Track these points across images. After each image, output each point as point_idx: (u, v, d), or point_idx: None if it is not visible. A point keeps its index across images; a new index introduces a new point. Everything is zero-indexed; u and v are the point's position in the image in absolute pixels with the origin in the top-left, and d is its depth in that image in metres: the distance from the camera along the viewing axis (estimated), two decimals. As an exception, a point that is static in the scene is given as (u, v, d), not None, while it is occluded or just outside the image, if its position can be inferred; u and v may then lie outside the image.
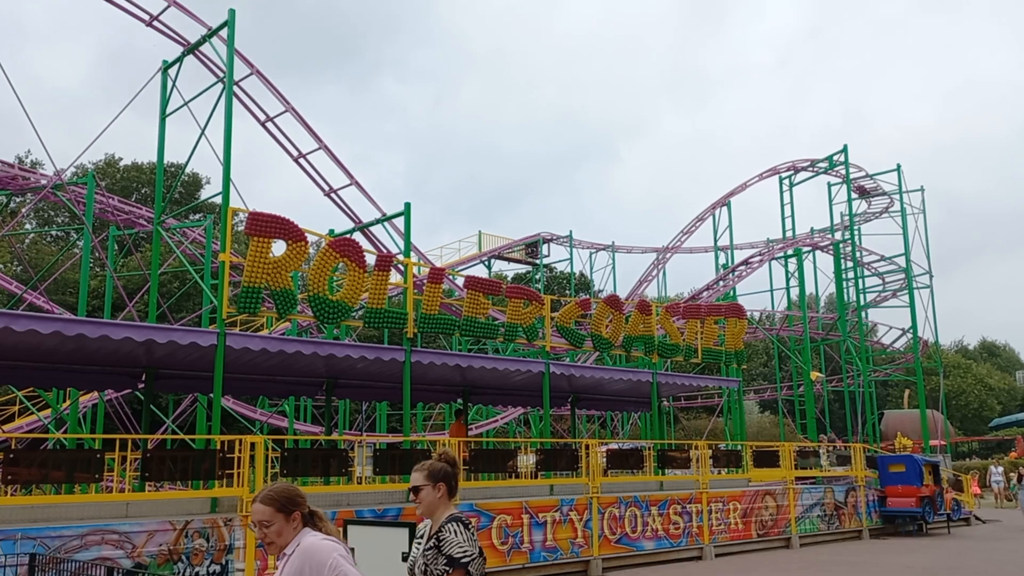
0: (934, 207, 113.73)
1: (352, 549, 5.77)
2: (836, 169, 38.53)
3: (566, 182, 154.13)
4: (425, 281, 15.56)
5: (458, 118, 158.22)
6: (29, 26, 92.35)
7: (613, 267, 46.01)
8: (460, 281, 22.36)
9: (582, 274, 51.55)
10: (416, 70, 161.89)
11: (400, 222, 17.50)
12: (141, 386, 15.67)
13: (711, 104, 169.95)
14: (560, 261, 48.72)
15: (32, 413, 23.12)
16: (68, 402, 19.14)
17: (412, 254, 17.29)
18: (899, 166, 37.98)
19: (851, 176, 37.61)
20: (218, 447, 11.81)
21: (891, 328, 43.46)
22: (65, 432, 18.99)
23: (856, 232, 38.29)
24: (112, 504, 10.76)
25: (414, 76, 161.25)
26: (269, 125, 19.73)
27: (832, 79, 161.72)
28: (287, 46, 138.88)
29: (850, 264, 37.88)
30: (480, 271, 40.88)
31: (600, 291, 48.59)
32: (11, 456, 10.43)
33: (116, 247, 24.83)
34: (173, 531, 10.46)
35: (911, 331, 37.31)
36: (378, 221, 19.68)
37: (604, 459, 17.18)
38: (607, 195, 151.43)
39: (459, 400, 20.67)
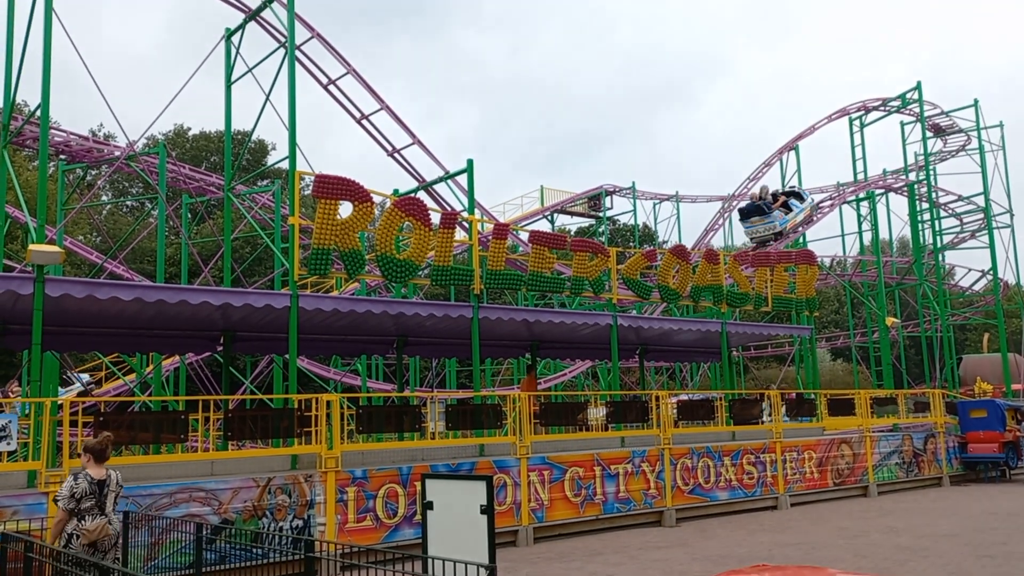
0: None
1: (431, 502, 5.89)
2: (909, 107, 37.05)
3: (643, 129, 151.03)
4: (490, 237, 15.58)
5: (533, 67, 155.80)
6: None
7: (678, 217, 45.33)
8: (524, 236, 22.32)
9: (646, 225, 50.97)
10: (490, 18, 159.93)
11: (464, 179, 17.50)
12: (220, 349, 16.14)
13: (794, 39, 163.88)
14: (623, 213, 48.15)
15: (118, 378, 24.07)
16: (152, 366, 19.85)
17: (476, 211, 17.30)
18: (976, 101, 36.34)
19: (925, 114, 36.14)
20: (296, 406, 12.14)
21: (969, 270, 41.99)
22: (150, 395, 19.73)
23: (931, 172, 36.89)
24: (198, 463, 11.17)
25: (488, 25, 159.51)
26: (332, 88, 19.83)
27: (922, 5, 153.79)
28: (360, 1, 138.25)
29: (925, 205, 36.58)
30: (543, 226, 40.73)
31: (664, 242, 48.02)
32: (101, 419, 10.89)
33: (189, 215, 25.46)
34: (256, 488, 10.83)
35: (991, 272, 36.00)
36: (441, 179, 19.72)
37: (675, 410, 17.13)
38: (684, 141, 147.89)
39: (527, 355, 20.77)
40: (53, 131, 22.10)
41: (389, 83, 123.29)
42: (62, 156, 22.39)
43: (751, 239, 29.45)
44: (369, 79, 20.27)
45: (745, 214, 29.42)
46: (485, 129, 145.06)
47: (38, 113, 12.63)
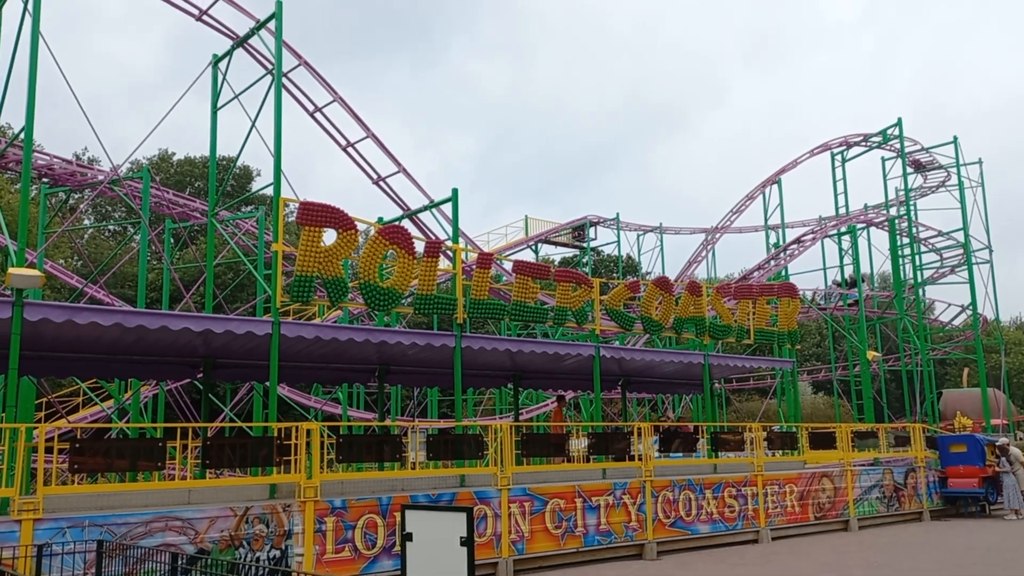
0: (1012, 176, 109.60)
1: (410, 534, 5.83)
2: (890, 143, 37.61)
3: (638, 158, 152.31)
4: (474, 267, 15.60)
5: (530, 95, 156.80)
6: (105, 12, 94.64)
7: (661, 249, 45.71)
8: (508, 266, 22.37)
9: (629, 256, 51.25)
10: (488, 46, 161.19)
11: (448, 208, 17.56)
12: (199, 375, 16.00)
13: (789, 70, 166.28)
14: (607, 244, 48.51)
15: (95, 404, 23.78)
16: (130, 392, 19.64)
17: (460, 240, 17.34)
18: (956, 139, 36.94)
19: (906, 150, 36.69)
20: (275, 434, 12.01)
21: (949, 305, 42.44)
22: (128, 422, 19.51)
23: (912, 207, 37.38)
24: (175, 491, 11.02)
25: (486, 53, 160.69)
26: (318, 115, 19.92)
27: (915, 42, 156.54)
28: (361, 22, 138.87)
29: (906, 240, 37.02)
30: (527, 256, 40.86)
31: (648, 273, 48.26)
32: (77, 446, 10.74)
33: (172, 240, 25.36)
34: (234, 517, 10.68)
35: (970, 308, 36.38)
36: (426, 208, 19.78)
37: (657, 442, 17.08)
38: (678, 170, 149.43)
39: (509, 384, 20.72)
40: (37, 154, 22.03)
41: (385, 108, 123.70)
42: (45, 179, 22.29)
43: None
44: (364, 104, 20.59)
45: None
46: (481, 156, 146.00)
47: (22, 136, 12.58)
